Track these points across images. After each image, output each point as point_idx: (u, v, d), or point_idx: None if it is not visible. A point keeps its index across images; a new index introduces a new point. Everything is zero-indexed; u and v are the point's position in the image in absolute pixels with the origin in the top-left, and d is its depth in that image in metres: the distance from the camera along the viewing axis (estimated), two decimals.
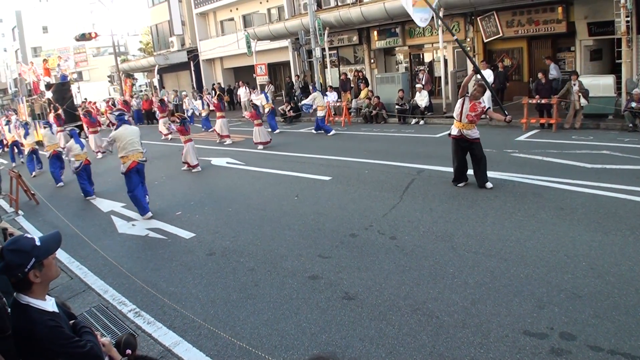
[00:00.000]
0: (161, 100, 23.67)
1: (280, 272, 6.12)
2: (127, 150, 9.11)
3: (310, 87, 21.36)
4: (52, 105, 24.10)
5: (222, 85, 31.99)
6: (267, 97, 19.92)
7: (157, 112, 23.51)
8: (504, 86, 18.17)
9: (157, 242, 7.86)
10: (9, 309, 2.76)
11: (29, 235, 2.77)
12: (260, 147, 15.69)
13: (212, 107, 19.95)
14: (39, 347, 2.61)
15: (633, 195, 7.50)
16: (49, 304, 2.73)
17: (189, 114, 23.38)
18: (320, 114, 17.78)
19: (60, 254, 7.27)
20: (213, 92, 25.76)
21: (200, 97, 24.85)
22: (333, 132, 17.39)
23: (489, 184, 8.70)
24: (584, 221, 6.73)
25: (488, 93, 15.88)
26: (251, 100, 19.93)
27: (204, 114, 22.99)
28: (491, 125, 15.80)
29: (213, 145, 17.45)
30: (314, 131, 18.29)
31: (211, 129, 20.23)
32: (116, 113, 11.81)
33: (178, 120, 13.56)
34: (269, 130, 18.48)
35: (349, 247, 6.67)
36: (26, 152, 16.80)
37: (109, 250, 7.50)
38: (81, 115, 21.45)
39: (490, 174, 9.42)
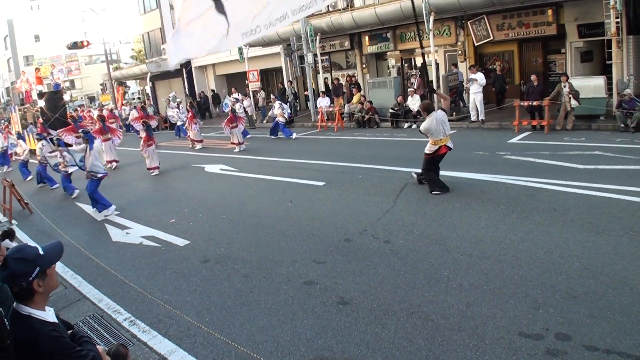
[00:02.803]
0: (142, 107, 24.03)
1: (275, 278, 6.11)
2: None
3: (272, 97, 21.61)
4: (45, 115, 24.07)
5: (211, 93, 32.34)
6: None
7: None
8: (504, 89, 18.18)
9: (151, 250, 7.83)
10: (8, 320, 2.74)
11: (32, 245, 2.78)
12: (237, 149, 16.73)
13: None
14: (43, 358, 2.60)
15: (625, 195, 7.54)
16: (49, 315, 2.73)
17: (178, 123, 23.65)
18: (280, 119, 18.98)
19: None
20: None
21: (177, 106, 25.13)
22: (294, 135, 18.60)
23: (414, 174, 9.73)
24: (577, 222, 6.76)
25: (479, 97, 16.05)
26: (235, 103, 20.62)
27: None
28: (483, 128, 15.89)
29: (206, 152, 17.44)
30: (271, 136, 19.26)
31: (186, 135, 20.65)
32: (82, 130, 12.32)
33: (144, 127, 14.57)
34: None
35: (344, 252, 6.67)
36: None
37: (103, 258, 7.47)
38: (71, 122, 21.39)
39: (483, 176, 9.50)
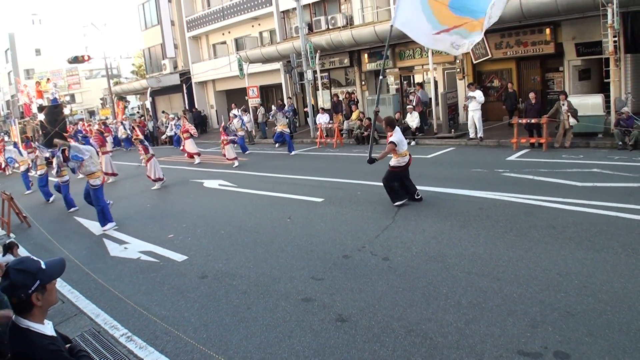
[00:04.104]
0: (139, 124, 24.89)
1: (273, 295, 6.09)
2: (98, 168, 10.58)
3: (273, 108, 21.96)
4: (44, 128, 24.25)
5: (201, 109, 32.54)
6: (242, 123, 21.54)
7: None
8: (516, 107, 18.11)
9: (149, 265, 7.81)
10: (7, 332, 2.74)
11: (35, 258, 2.78)
12: (236, 163, 17.02)
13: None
14: None
15: (624, 213, 7.55)
16: (48, 328, 2.72)
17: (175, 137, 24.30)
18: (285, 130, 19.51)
19: None
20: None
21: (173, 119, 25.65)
22: (294, 152, 18.87)
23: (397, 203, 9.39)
24: (576, 239, 6.76)
25: (478, 114, 16.12)
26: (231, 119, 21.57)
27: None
28: (482, 145, 15.93)
29: (205, 168, 17.46)
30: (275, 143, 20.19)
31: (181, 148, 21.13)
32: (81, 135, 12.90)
33: (139, 143, 15.12)
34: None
35: (342, 269, 6.66)
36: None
37: (100, 273, 7.45)
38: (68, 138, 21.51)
39: (481, 193, 9.51)
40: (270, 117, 20.48)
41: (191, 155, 19.30)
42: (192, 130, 19.26)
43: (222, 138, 17.38)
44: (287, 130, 19.46)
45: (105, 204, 10.47)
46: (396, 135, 9.33)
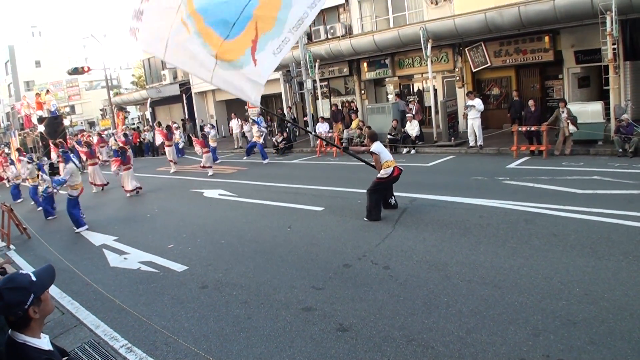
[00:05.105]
0: (125, 134, 25.47)
1: (273, 305, 6.06)
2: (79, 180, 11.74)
3: (250, 120, 22.15)
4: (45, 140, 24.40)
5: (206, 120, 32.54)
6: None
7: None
8: (520, 115, 18.07)
9: (149, 275, 7.79)
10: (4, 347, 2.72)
11: (23, 272, 2.75)
12: (211, 172, 17.95)
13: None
14: None
15: (625, 220, 7.54)
16: (45, 342, 2.70)
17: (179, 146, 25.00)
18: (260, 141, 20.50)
19: (52, 288, 7.14)
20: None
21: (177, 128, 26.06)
22: (267, 161, 19.70)
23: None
24: (577, 247, 6.74)
25: (477, 122, 16.13)
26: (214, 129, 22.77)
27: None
28: (482, 153, 15.94)
29: (205, 177, 17.45)
30: (245, 156, 21.43)
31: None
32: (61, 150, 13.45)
33: (118, 152, 16.04)
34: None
35: (343, 278, 6.63)
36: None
37: (100, 284, 7.42)
38: (78, 147, 21.52)
39: (481, 201, 9.50)
40: (246, 132, 20.98)
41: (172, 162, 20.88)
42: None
43: (202, 148, 18.36)
44: (262, 140, 20.40)
45: (74, 212, 11.50)
46: (374, 145, 9.48)
